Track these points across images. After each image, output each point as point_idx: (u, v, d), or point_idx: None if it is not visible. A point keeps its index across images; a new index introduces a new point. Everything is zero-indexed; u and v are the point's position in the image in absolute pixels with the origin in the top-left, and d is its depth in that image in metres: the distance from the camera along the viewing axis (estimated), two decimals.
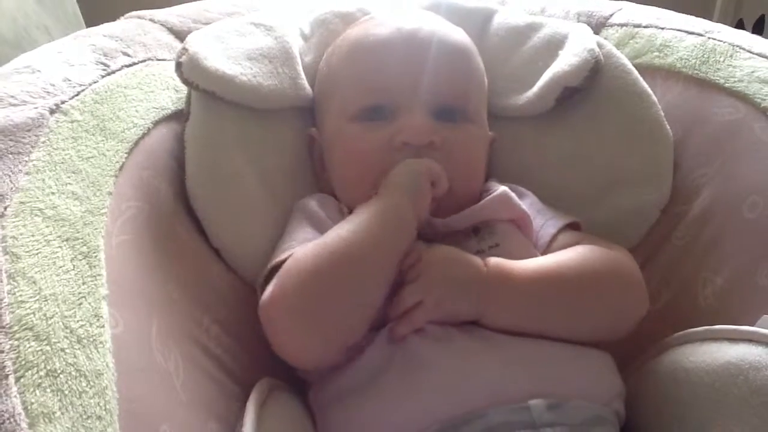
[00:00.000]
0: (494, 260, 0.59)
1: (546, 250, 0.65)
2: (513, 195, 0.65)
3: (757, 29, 1.51)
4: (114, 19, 0.77)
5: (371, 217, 0.56)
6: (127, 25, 0.74)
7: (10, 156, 0.51)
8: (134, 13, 0.79)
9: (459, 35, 0.70)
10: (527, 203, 0.68)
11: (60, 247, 0.47)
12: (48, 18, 1.02)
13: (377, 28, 0.68)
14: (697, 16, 0.81)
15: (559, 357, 0.56)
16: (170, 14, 0.79)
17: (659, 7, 0.85)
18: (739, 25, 1.45)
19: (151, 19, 0.77)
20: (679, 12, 0.83)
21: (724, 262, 0.64)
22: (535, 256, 0.63)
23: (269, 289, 0.55)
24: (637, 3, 0.87)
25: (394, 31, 0.67)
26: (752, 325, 0.55)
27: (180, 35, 0.76)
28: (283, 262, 0.57)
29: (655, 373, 0.58)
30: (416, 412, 0.52)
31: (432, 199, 0.59)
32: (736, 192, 0.65)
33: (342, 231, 0.56)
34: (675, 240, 0.69)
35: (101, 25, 0.74)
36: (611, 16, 0.85)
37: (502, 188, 0.65)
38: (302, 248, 0.56)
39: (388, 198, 0.58)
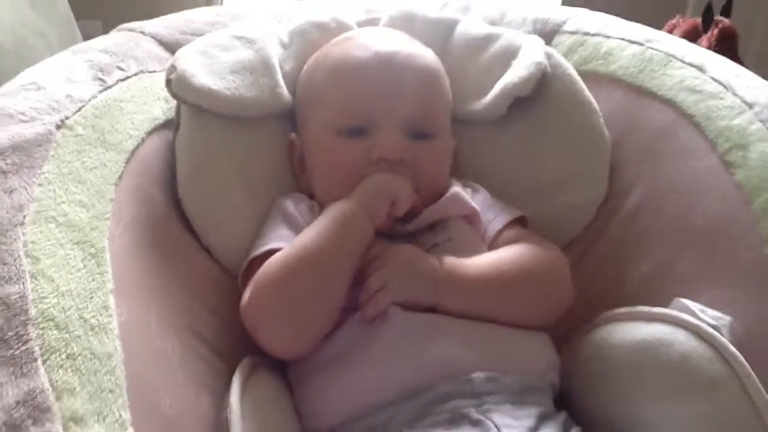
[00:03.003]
0: (448, 260, 0.67)
1: (493, 242, 0.74)
2: (463, 195, 0.74)
3: (725, 13, 1.58)
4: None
5: (329, 225, 0.65)
6: (120, 38, 0.82)
7: (25, 170, 0.59)
8: (125, 25, 0.86)
9: (429, 58, 0.78)
10: (480, 198, 0.77)
11: (72, 249, 0.55)
12: (43, 21, 1.08)
13: (357, 50, 0.76)
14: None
15: (500, 337, 0.65)
16: (158, 26, 0.86)
17: None
18: (708, 9, 1.51)
19: (141, 32, 0.84)
20: None
21: (650, 252, 0.73)
22: (483, 247, 0.72)
23: (246, 294, 0.64)
24: None
25: (372, 55, 0.74)
26: (667, 307, 0.65)
27: (169, 46, 0.83)
28: (259, 256, 0.67)
29: (586, 349, 0.68)
30: (378, 384, 0.61)
31: (389, 214, 0.67)
32: (661, 191, 0.74)
33: (305, 240, 0.65)
34: (609, 232, 0.78)
35: (96, 39, 0.81)
36: (564, 23, 0.93)
37: (453, 189, 0.74)
38: (273, 258, 0.65)
39: (345, 206, 0.66)
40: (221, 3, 1.66)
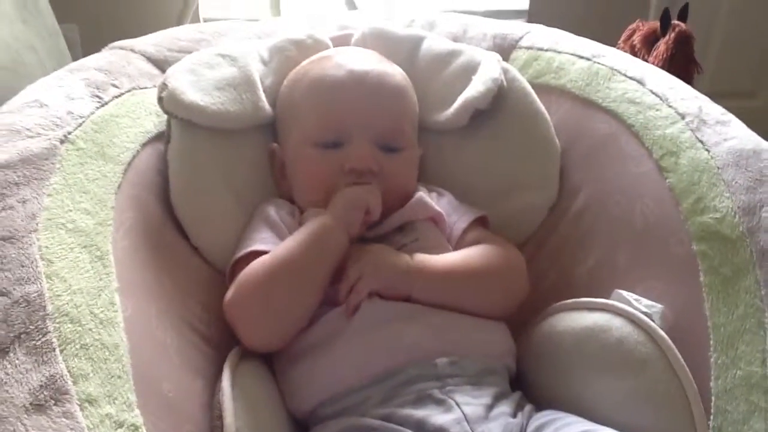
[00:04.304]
0: (418, 255, 0.75)
1: (458, 241, 0.82)
2: (427, 199, 0.82)
3: (682, 17, 1.65)
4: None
5: (309, 236, 0.73)
6: (112, 57, 0.88)
7: (35, 181, 0.65)
8: (117, 44, 0.92)
9: (398, 77, 0.86)
10: (445, 201, 0.85)
11: (80, 252, 0.62)
12: (34, 37, 1.14)
13: (333, 70, 0.83)
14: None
15: (463, 325, 0.73)
16: (147, 44, 0.93)
17: None
18: (665, 13, 1.58)
19: (131, 50, 0.91)
20: None
21: (594, 248, 0.82)
22: (447, 246, 0.80)
23: (230, 292, 0.71)
24: None
25: (346, 74, 0.82)
26: (608, 298, 0.73)
27: (158, 63, 0.90)
28: (243, 256, 0.74)
29: (538, 336, 0.76)
30: (354, 369, 0.69)
31: (364, 222, 0.75)
32: (605, 193, 0.83)
33: (286, 249, 0.72)
34: (559, 231, 0.86)
35: (90, 58, 0.88)
36: (521, 38, 1.01)
37: (419, 194, 0.82)
38: (256, 261, 0.72)
39: (324, 221, 0.74)
40: (196, 8, 1.72)
